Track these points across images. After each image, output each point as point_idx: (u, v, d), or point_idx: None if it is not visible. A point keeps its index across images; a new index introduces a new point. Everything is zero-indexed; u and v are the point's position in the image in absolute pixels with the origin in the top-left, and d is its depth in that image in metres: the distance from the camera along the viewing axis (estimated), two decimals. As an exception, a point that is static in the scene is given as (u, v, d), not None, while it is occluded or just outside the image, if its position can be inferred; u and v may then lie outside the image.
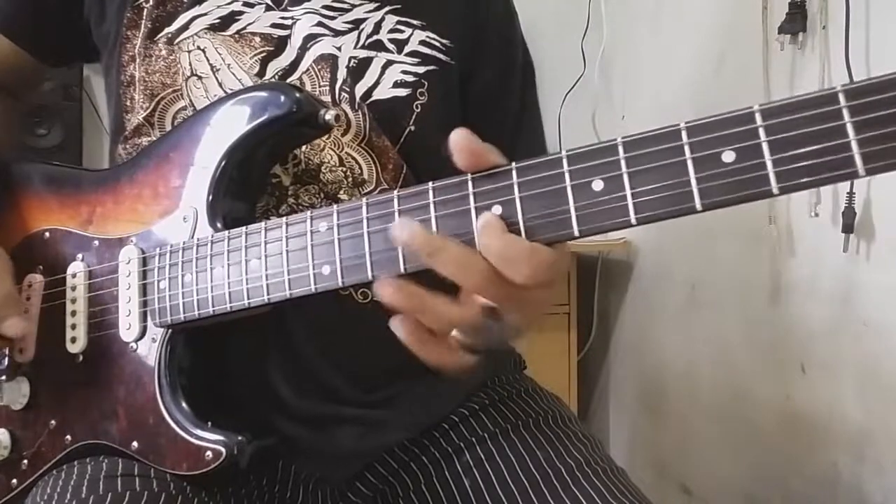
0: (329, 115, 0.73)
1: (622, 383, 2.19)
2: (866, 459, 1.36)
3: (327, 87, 0.84)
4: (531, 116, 0.98)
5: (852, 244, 1.35)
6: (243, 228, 0.71)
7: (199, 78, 0.83)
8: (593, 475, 0.79)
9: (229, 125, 0.76)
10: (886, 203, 1.30)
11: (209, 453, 0.70)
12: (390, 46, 0.86)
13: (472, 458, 0.83)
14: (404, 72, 0.86)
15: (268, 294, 0.68)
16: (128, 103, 0.86)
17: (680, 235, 1.87)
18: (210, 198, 0.75)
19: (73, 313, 0.80)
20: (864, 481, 1.37)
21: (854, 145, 0.48)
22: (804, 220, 1.47)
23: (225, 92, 0.83)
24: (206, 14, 0.85)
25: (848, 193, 1.32)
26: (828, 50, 1.39)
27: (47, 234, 0.85)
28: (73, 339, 0.80)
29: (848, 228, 1.34)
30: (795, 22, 1.44)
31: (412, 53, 0.87)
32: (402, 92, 0.85)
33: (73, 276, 0.81)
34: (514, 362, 0.98)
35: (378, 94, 0.85)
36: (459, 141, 0.58)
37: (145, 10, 0.85)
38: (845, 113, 0.48)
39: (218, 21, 0.84)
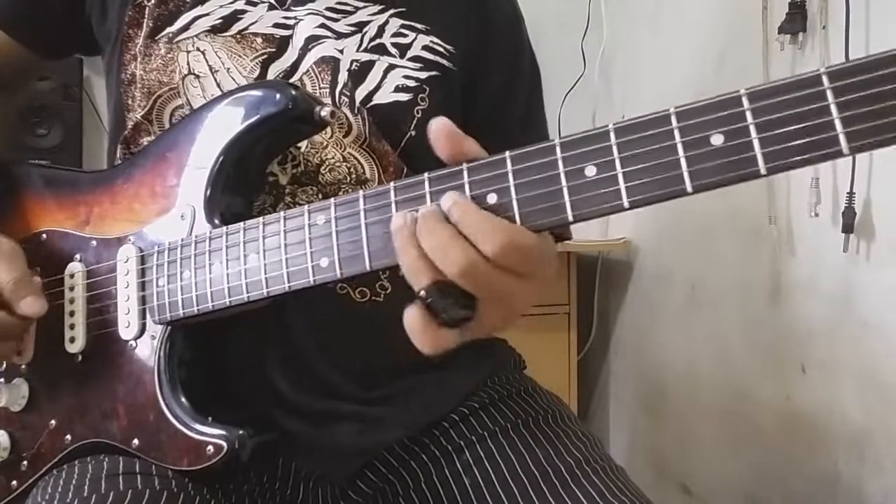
0: (325, 112, 0.74)
1: (622, 383, 2.19)
2: (866, 459, 1.36)
3: (327, 90, 0.83)
4: (536, 122, 0.98)
5: (852, 244, 1.35)
6: (241, 224, 0.71)
7: (197, 77, 0.83)
8: (592, 473, 0.79)
9: (225, 123, 0.76)
10: (886, 203, 1.30)
11: (210, 448, 0.70)
12: (393, 50, 0.86)
13: (472, 457, 0.83)
14: (406, 77, 0.85)
15: (266, 287, 0.69)
16: (129, 102, 0.86)
17: (680, 235, 1.87)
18: (207, 195, 0.75)
19: (72, 313, 0.80)
20: (864, 481, 1.37)
21: (838, 124, 0.49)
22: (804, 220, 1.47)
23: (222, 92, 0.82)
24: (208, 14, 0.84)
25: (848, 193, 1.32)
26: (828, 50, 1.39)
27: (45, 235, 0.85)
28: (72, 339, 0.80)
29: (848, 228, 1.34)
30: (795, 22, 1.44)
31: (415, 58, 0.86)
32: (404, 97, 0.85)
33: (72, 276, 0.81)
34: (514, 362, 0.98)
35: (379, 99, 0.84)
36: (440, 127, 0.60)
37: (147, 8, 0.85)
38: (829, 94, 0.50)
39: (220, 22, 0.84)
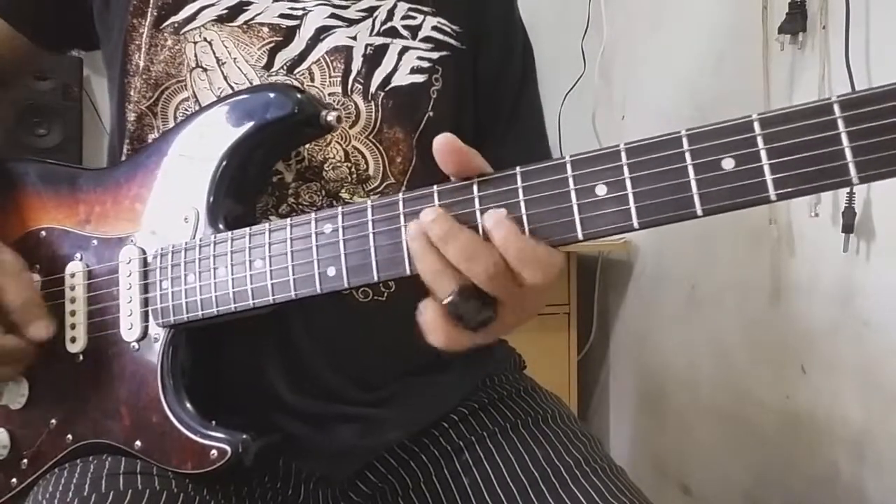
0: (331, 117, 0.74)
1: (622, 383, 2.19)
2: (866, 459, 1.36)
3: (339, 78, 0.83)
4: (530, 96, 1.00)
5: (852, 244, 1.35)
6: (247, 229, 0.71)
7: (204, 70, 0.83)
8: (592, 473, 0.79)
9: (230, 126, 0.76)
10: (886, 203, 1.30)
11: (214, 452, 0.71)
12: (405, 33, 0.87)
13: (472, 457, 0.83)
14: (420, 58, 0.86)
15: (273, 295, 0.68)
16: (131, 93, 0.85)
17: (680, 235, 1.87)
18: (211, 198, 0.75)
19: (73, 313, 0.80)
20: (864, 481, 1.37)
21: (848, 154, 0.50)
22: (804, 220, 1.47)
23: (230, 85, 0.82)
24: (213, 4, 0.84)
25: (848, 193, 1.32)
26: (828, 50, 1.39)
27: (44, 232, 0.85)
28: (73, 339, 0.80)
29: (848, 228, 1.34)
30: (795, 22, 1.44)
31: (426, 39, 0.87)
32: (419, 78, 0.86)
33: (72, 275, 0.81)
34: (514, 362, 0.98)
35: (397, 81, 0.85)
36: (444, 143, 0.59)
37: None
38: (840, 123, 0.50)
39: (226, 12, 0.84)
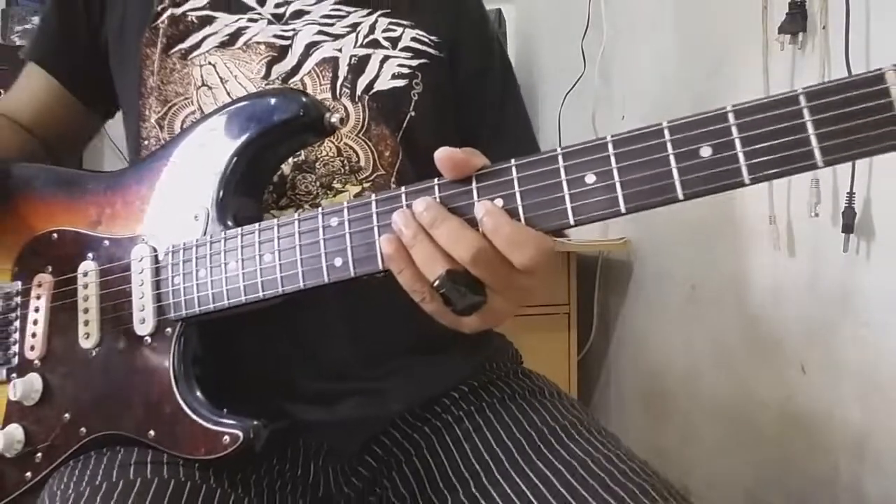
0: (335, 119, 0.78)
1: (622, 383, 2.20)
2: (866, 459, 1.37)
3: (328, 85, 0.90)
4: (513, 100, 1.08)
5: (852, 244, 1.36)
6: (255, 225, 0.74)
7: (209, 88, 0.89)
8: (587, 432, 0.83)
9: (238, 128, 0.79)
10: (886, 203, 1.31)
11: (227, 437, 0.73)
12: (386, 44, 0.95)
13: (472, 425, 0.87)
14: (400, 65, 0.94)
15: (282, 286, 0.72)
16: (146, 112, 0.91)
17: (680, 235, 1.87)
18: (220, 197, 0.78)
19: (86, 310, 0.82)
20: (864, 481, 1.37)
21: (813, 140, 0.55)
22: (804, 220, 1.47)
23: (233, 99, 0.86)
24: (215, 33, 0.92)
25: (848, 193, 1.33)
26: (828, 50, 1.39)
27: (55, 234, 0.87)
28: (87, 335, 0.82)
29: (848, 228, 1.34)
30: (795, 22, 1.44)
31: (406, 49, 0.95)
32: (400, 83, 0.94)
33: (85, 274, 0.83)
34: (512, 354, 1.02)
35: (379, 86, 0.92)
36: (442, 157, 0.65)
37: (161, 29, 0.92)
38: (805, 112, 0.56)
39: (227, 38, 0.92)
